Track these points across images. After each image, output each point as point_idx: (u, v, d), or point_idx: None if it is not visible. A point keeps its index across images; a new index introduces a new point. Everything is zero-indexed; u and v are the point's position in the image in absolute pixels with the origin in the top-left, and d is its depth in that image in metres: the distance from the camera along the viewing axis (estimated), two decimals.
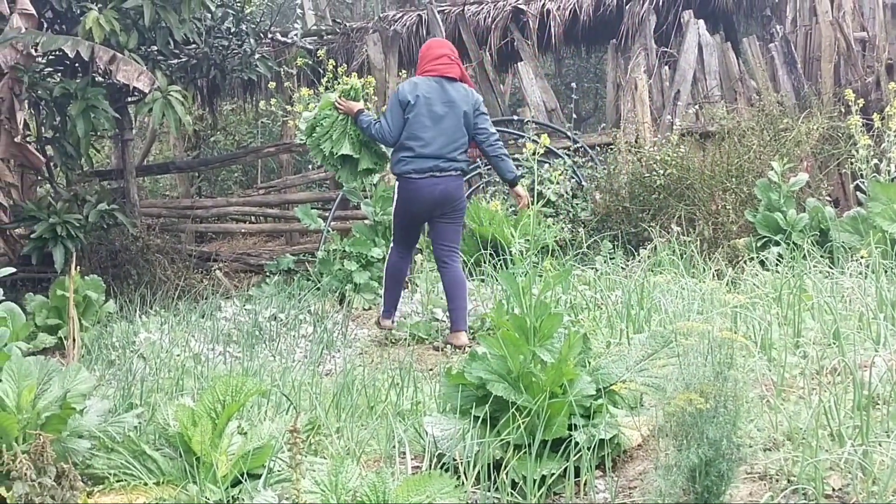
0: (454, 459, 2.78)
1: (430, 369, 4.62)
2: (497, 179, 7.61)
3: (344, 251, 6.52)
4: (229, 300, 6.77)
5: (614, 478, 2.74)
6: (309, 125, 5.59)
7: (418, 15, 10.35)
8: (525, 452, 2.70)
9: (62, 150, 7.36)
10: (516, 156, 7.43)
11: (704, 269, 5.49)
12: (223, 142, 12.52)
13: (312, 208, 7.51)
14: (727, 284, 4.79)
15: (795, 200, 6.50)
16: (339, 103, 5.47)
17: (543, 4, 10.01)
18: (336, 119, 5.50)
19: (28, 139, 7.09)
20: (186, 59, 8.27)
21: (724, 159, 7.17)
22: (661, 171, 7.25)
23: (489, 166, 6.99)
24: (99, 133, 8.00)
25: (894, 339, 3.46)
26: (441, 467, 2.78)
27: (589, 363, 3.06)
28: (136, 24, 7.13)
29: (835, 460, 2.48)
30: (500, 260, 6.16)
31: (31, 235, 7.11)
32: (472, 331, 5.20)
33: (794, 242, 5.93)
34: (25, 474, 2.47)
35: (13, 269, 3.56)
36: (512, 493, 2.68)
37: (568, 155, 8.29)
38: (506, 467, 2.72)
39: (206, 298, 6.76)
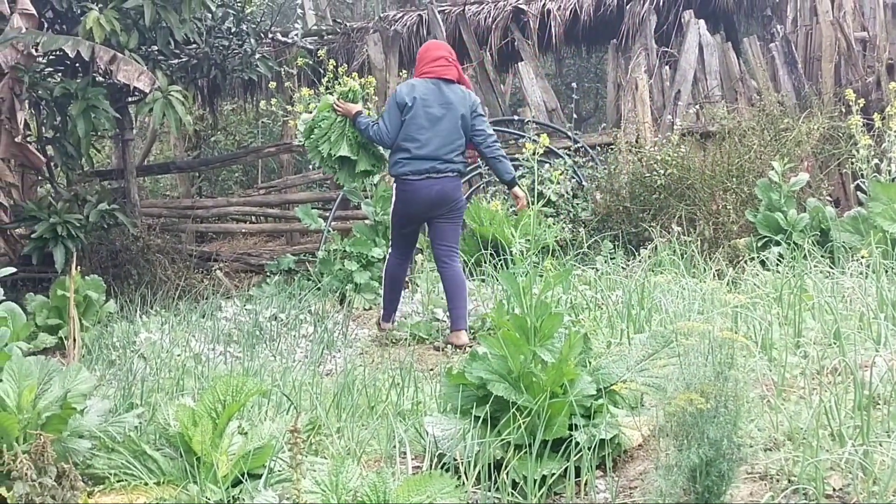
0: (455, 459, 2.78)
1: (431, 369, 4.62)
2: (497, 179, 7.60)
3: (344, 251, 6.52)
4: (230, 300, 6.77)
5: (615, 478, 2.74)
6: (307, 127, 5.61)
7: (419, 15, 10.34)
8: (525, 452, 2.70)
9: (63, 150, 7.36)
10: (516, 156, 7.44)
11: (705, 269, 5.48)
12: (224, 142, 12.53)
13: (313, 208, 7.50)
14: (728, 284, 4.78)
15: (796, 200, 6.50)
16: (337, 105, 5.48)
17: (544, 4, 10.00)
18: (334, 121, 5.51)
19: (28, 139, 7.10)
20: (187, 59, 8.28)
21: (725, 159, 7.16)
22: (662, 171, 7.25)
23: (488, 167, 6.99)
24: (99, 133, 8.00)
25: (895, 339, 3.45)
26: (442, 467, 2.78)
27: (589, 363, 3.06)
28: (137, 23, 7.14)
29: (835, 460, 2.48)
30: (500, 260, 6.16)
31: (32, 235, 7.12)
32: (472, 331, 5.20)
33: (794, 242, 5.93)
34: (26, 474, 2.47)
35: (14, 269, 3.56)
36: (512, 494, 2.68)
37: (568, 155, 8.28)
38: (506, 467, 2.72)
39: (206, 298, 6.77)
